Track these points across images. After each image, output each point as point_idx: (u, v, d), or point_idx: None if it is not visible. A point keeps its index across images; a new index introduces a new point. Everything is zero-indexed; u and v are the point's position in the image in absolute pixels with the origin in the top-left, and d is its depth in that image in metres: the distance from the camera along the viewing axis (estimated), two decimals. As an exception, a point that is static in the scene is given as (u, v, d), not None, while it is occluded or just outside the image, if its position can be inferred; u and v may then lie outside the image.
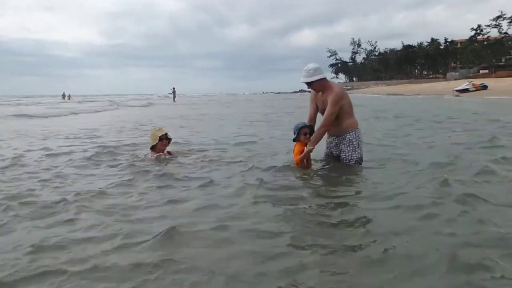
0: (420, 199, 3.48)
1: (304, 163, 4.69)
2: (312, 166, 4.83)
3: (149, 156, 5.78)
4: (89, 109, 25.98)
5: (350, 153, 4.72)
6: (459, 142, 7.15)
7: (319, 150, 4.95)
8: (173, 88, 44.23)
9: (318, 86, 4.65)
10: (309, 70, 4.59)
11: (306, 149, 4.65)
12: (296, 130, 4.72)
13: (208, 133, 9.91)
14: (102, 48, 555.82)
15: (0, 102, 45.30)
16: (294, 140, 4.77)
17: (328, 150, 4.97)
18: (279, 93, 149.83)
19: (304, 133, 4.69)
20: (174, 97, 44.19)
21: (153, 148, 5.79)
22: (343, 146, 4.75)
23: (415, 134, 8.71)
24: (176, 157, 5.88)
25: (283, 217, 3.10)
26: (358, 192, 3.82)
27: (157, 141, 5.73)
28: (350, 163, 4.72)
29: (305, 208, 3.38)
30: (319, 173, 4.66)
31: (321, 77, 4.59)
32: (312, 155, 4.80)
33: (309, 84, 4.64)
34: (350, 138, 4.71)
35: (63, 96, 58.85)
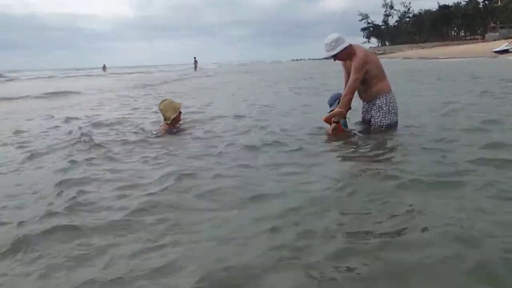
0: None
1: (329, 130, 4.69)
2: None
3: (161, 129, 5.68)
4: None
5: (379, 119, 4.72)
6: None
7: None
8: (194, 58, 44.99)
9: (343, 55, 4.55)
10: (330, 43, 4.46)
11: (335, 110, 4.64)
12: (334, 101, 4.80)
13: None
14: (132, 21, 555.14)
15: (55, 74, 45.14)
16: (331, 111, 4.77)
17: (362, 115, 5.02)
18: (314, 59, 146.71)
19: None
20: (196, 67, 44.59)
21: (173, 120, 5.66)
22: (373, 111, 4.76)
23: None
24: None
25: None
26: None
27: (177, 113, 5.66)
28: (380, 129, 4.72)
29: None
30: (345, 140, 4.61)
31: (343, 47, 4.45)
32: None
33: (334, 56, 4.56)
34: (380, 104, 4.68)
35: (104, 68, 60.70)
